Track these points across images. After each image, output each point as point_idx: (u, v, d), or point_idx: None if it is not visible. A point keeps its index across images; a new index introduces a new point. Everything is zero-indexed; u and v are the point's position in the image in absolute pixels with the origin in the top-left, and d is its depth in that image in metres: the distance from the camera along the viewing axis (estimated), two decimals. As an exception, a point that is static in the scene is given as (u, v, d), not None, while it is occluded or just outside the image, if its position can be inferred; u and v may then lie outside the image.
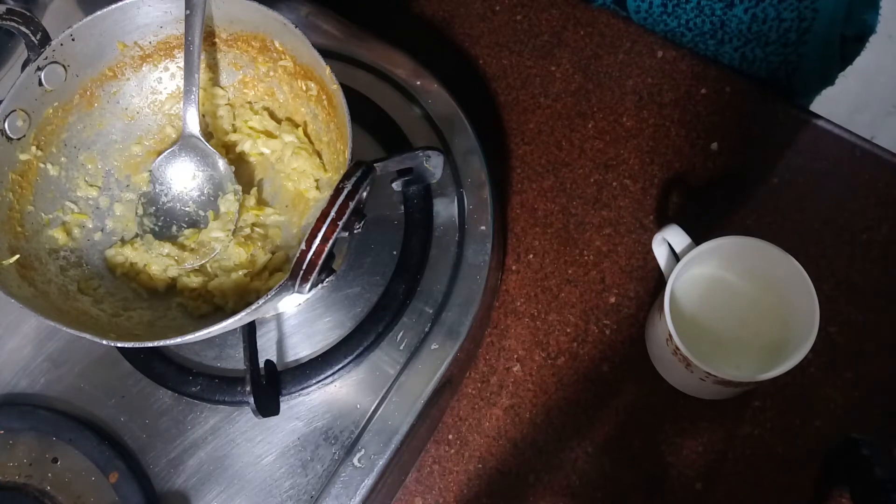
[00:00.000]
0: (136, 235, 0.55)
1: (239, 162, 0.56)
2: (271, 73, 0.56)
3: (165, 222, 0.55)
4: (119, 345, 0.45)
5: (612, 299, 0.59)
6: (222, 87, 0.58)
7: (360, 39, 0.62)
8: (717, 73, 0.63)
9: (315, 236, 0.40)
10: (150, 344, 0.44)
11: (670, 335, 0.49)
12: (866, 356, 0.55)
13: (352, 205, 0.41)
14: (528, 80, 0.66)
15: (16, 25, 0.49)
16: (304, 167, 0.55)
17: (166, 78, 0.57)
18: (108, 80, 0.55)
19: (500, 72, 0.66)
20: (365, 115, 0.58)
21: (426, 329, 0.53)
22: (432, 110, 0.59)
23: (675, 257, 0.53)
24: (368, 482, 0.50)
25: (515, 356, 0.58)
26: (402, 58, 0.61)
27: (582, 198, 0.62)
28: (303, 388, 0.52)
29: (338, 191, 0.41)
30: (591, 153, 0.63)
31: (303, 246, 0.40)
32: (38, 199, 0.52)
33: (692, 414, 0.55)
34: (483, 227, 0.55)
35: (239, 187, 0.54)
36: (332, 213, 0.40)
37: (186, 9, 0.51)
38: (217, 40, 0.55)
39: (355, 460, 0.51)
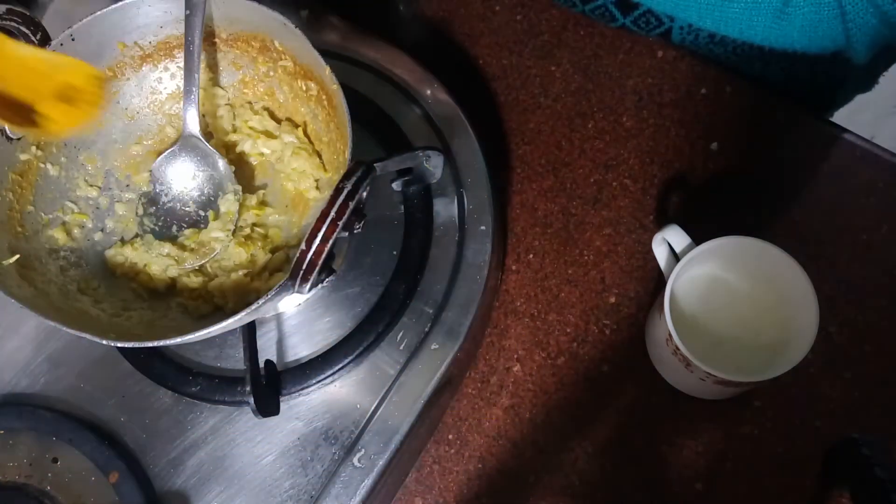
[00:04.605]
0: (136, 235, 0.55)
1: (239, 162, 0.56)
2: (271, 74, 0.56)
3: (165, 222, 0.55)
4: (119, 345, 0.45)
5: (612, 299, 0.59)
6: (222, 87, 0.58)
7: (360, 39, 0.62)
8: (717, 73, 0.63)
9: (315, 236, 0.40)
10: (150, 344, 0.44)
11: (670, 335, 0.49)
12: (866, 356, 0.55)
13: (352, 205, 0.41)
14: (528, 80, 0.66)
15: (16, 25, 0.49)
16: (304, 167, 0.55)
17: (166, 78, 0.57)
18: (108, 80, 0.55)
19: (500, 72, 0.66)
20: (365, 115, 0.58)
21: (426, 329, 0.53)
22: (432, 110, 0.59)
23: (675, 257, 0.53)
24: (368, 482, 0.50)
25: (515, 356, 0.58)
26: (402, 58, 0.61)
27: (582, 198, 0.62)
28: (303, 388, 0.52)
29: (338, 191, 0.41)
30: (591, 153, 0.63)
31: (303, 246, 0.40)
32: (38, 199, 0.52)
33: (692, 414, 0.55)
34: (483, 227, 0.55)
35: (239, 187, 0.54)
36: (332, 213, 0.40)
37: (186, 9, 0.51)
38: (217, 40, 0.55)
39: (355, 460, 0.51)
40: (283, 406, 0.52)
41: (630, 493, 0.54)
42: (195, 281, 0.53)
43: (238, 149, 0.57)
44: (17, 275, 0.48)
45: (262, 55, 0.55)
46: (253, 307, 0.42)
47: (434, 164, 0.53)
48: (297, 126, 0.56)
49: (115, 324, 0.49)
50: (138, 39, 0.54)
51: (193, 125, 0.53)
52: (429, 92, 0.59)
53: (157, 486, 0.52)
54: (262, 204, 0.55)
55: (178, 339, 0.43)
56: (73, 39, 0.51)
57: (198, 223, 0.54)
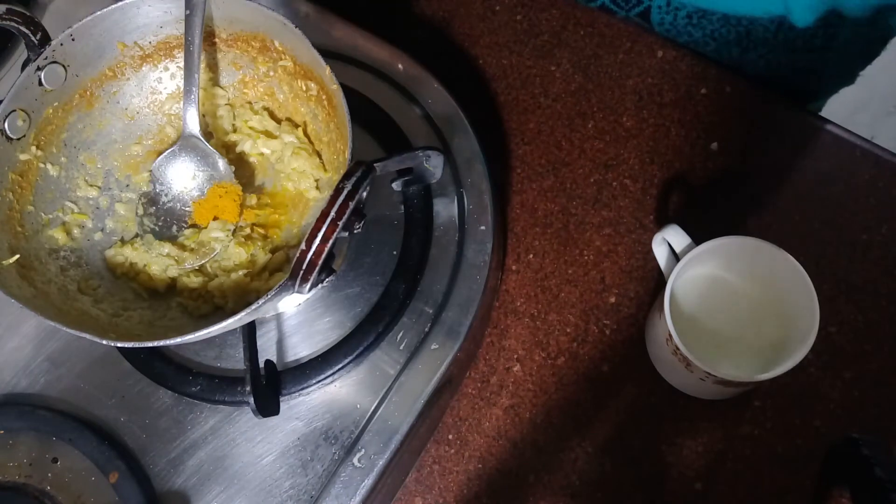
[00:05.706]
0: (136, 235, 0.55)
1: (239, 162, 0.56)
2: (271, 73, 0.56)
3: (165, 222, 0.55)
4: (119, 345, 0.45)
5: (612, 299, 0.59)
6: (222, 87, 0.58)
7: (359, 39, 0.62)
8: (717, 73, 0.63)
9: (315, 236, 0.40)
10: (150, 344, 0.44)
11: (670, 335, 0.49)
12: (866, 356, 0.55)
13: (352, 205, 0.41)
14: (528, 80, 0.66)
15: (16, 25, 0.49)
16: (304, 167, 0.55)
17: (166, 78, 0.57)
18: (108, 80, 0.55)
19: (500, 72, 0.66)
20: (365, 115, 0.58)
21: (426, 329, 0.53)
22: (432, 110, 0.59)
23: (675, 257, 0.53)
24: (368, 482, 0.50)
25: (515, 356, 0.58)
26: (402, 58, 0.61)
27: (582, 198, 0.62)
28: (303, 388, 0.52)
29: (338, 191, 0.41)
30: (591, 153, 0.63)
31: (303, 246, 0.40)
32: (38, 199, 0.52)
33: (692, 414, 0.55)
34: (483, 227, 0.55)
35: (239, 187, 0.54)
36: (332, 213, 0.40)
37: (186, 9, 0.51)
38: (217, 40, 0.55)
39: (355, 460, 0.51)
40: (283, 406, 0.52)
41: (630, 493, 0.54)
42: (195, 281, 0.53)
43: (238, 149, 0.57)
44: (17, 275, 0.48)
45: (262, 55, 0.55)
46: (253, 307, 0.42)
47: (434, 164, 0.53)
48: (297, 126, 0.56)
49: (115, 324, 0.49)
50: (138, 39, 0.54)
51: (193, 125, 0.53)
52: (429, 92, 0.59)
53: (157, 486, 0.52)
54: (262, 204, 0.55)
55: (178, 339, 0.43)
56: (73, 39, 0.51)
57: (198, 223, 0.54)
